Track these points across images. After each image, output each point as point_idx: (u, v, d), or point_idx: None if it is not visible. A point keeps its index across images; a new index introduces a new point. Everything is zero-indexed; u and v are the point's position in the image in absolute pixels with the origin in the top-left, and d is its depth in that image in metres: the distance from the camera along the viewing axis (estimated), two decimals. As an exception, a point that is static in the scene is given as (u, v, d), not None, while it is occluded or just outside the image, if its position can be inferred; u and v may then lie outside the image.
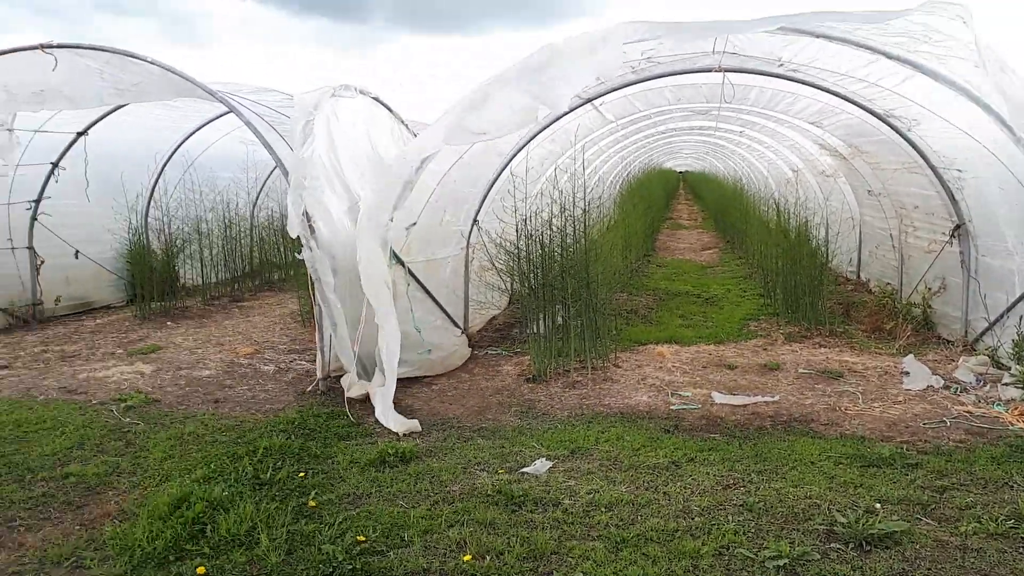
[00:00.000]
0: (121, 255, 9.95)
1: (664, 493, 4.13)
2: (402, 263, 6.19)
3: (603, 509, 3.93)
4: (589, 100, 6.83)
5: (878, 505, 3.92)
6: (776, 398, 5.90)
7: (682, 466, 4.51)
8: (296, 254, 5.78)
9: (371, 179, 6.10)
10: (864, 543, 3.52)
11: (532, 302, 6.70)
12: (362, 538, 3.55)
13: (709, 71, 6.18)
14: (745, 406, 5.74)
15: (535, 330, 6.73)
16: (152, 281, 9.45)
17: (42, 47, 5.85)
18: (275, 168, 12.21)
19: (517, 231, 6.65)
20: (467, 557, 3.39)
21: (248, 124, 5.79)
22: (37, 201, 8.76)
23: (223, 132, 10.58)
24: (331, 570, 3.28)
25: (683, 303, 9.96)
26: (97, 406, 5.74)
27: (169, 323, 8.99)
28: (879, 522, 3.65)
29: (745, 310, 9.41)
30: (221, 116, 9.95)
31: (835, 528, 3.66)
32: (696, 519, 3.81)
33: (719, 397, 5.92)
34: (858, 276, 11.18)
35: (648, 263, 14.02)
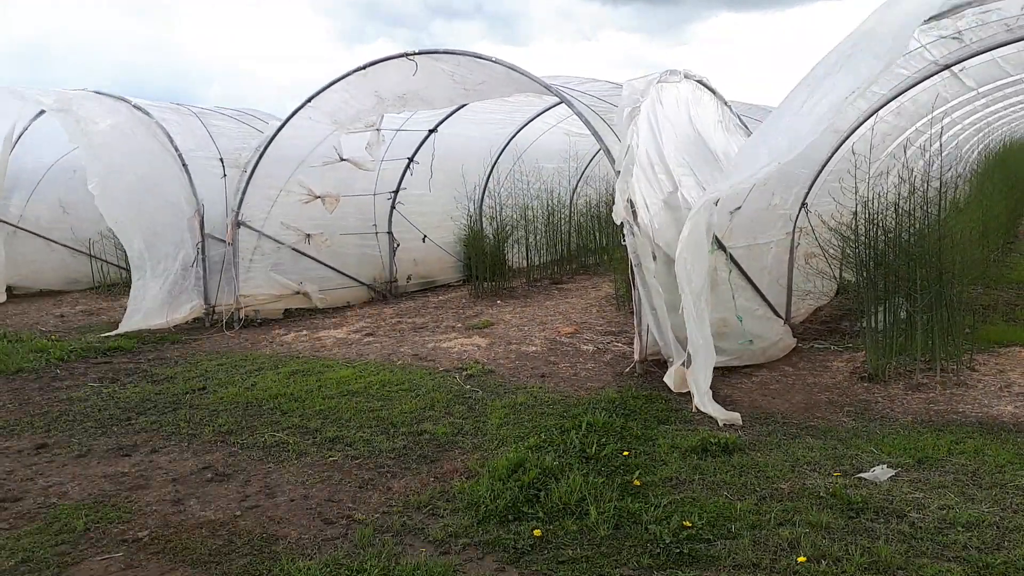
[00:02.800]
0: (459, 239, 11.03)
1: (1040, 520, 3.53)
2: (724, 248, 6.03)
3: (960, 528, 3.48)
4: (947, 66, 6.02)
5: None
6: None
7: (1064, 491, 3.82)
8: (620, 240, 5.90)
9: (696, 164, 6.01)
10: None
11: (870, 293, 6.12)
12: (688, 524, 3.54)
13: (1114, 20, 5.09)
14: None
15: (871, 324, 6.14)
16: (484, 263, 10.33)
17: (406, 55, 6.66)
18: (594, 157, 12.67)
19: (855, 214, 6.11)
20: (801, 559, 3.21)
21: (579, 115, 6.03)
22: (395, 192, 10.05)
23: (549, 125, 11.20)
24: (659, 550, 3.32)
25: (1058, 300, 8.42)
26: (443, 373, 6.43)
27: (499, 301, 9.76)
28: None
29: None
30: (547, 110, 10.54)
31: None
32: (1086, 556, 3.20)
33: (1114, 414, 4.90)
34: None
35: (1010, 252, 12.08)
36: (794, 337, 6.87)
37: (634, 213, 5.73)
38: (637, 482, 4.03)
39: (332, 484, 4.22)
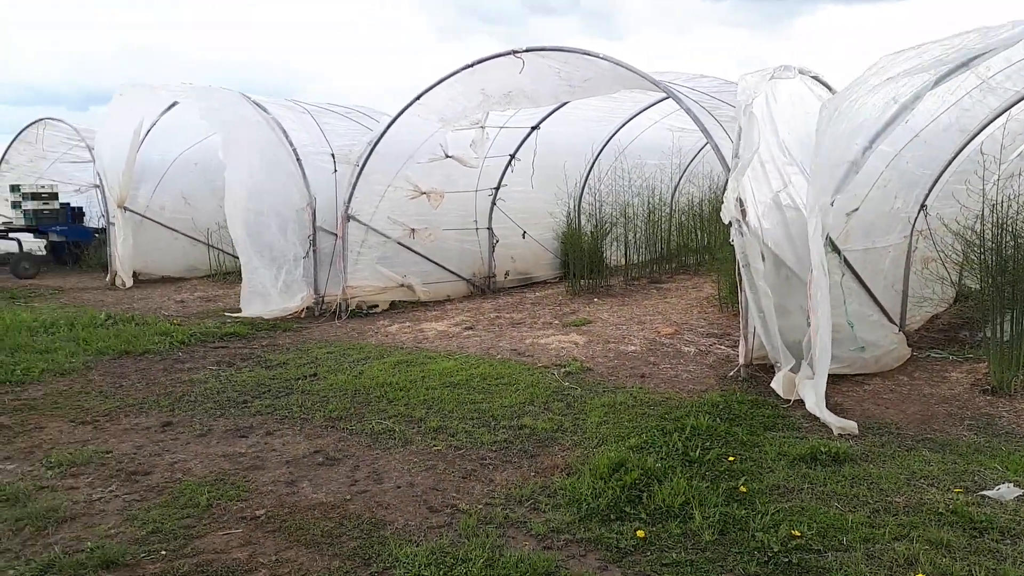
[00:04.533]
0: (557, 236, 11.06)
1: None
2: (838, 251, 5.81)
3: (1098, 557, 3.25)
4: (1092, 60, 5.60)
5: None
6: None
7: None
8: (728, 239, 5.78)
9: (807, 162, 5.81)
10: None
11: (995, 301, 5.77)
12: (796, 533, 3.44)
13: None
14: None
15: (995, 334, 5.80)
16: (582, 260, 10.32)
17: (514, 52, 6.72)
18: (697, 153, 12.44)
19: (980, 217, 5.77)
20: (920, 577, 3.08)
21: (687, 111, 5.94)
22: (497, 188, 10.16)
23: (652, 120, 11.07)
24: (766, 559, 3.25)
25: None
26: (541, 369, 6.47)
27: (595, 299, 9.73)
28: None
29: None
30: (650, 106, 10.41)
31: None
32: None
33: None
34: None
35: None
36: (909, 346, 6.56)
37: (743, 212, 5.59)
38: (743, 488, 3.95)
39: (436, 473, 4.32)
